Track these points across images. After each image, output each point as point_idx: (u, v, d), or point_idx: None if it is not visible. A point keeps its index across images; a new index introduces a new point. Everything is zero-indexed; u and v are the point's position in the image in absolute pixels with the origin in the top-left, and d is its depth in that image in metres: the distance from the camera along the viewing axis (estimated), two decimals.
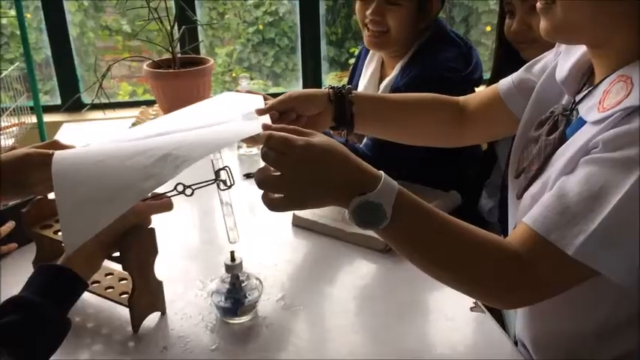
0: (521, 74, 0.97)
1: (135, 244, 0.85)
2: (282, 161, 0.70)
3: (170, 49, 1.67)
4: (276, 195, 0.71)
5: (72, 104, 2.10)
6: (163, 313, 0.93)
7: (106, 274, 0.96)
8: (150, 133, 0.90)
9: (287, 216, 1.22)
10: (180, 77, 1.64)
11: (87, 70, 2.62)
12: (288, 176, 0.70)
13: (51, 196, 0.93)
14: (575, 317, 0.81)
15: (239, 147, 1.57)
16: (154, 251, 0.88)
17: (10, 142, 1.72)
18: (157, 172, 0.72)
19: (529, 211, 0.72)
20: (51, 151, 0.85)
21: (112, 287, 0.93)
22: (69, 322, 0.79)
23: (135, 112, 1.96)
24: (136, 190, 0.72)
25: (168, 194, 0.88)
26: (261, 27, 3.05)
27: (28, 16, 2.52)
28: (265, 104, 0.95)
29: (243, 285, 0.91)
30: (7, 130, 1.65)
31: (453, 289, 0.94)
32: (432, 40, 1.39)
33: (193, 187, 0.89)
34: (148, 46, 2.48)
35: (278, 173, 0.71)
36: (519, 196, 0.84)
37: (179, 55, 1.73)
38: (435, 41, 1.39)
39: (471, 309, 0.95)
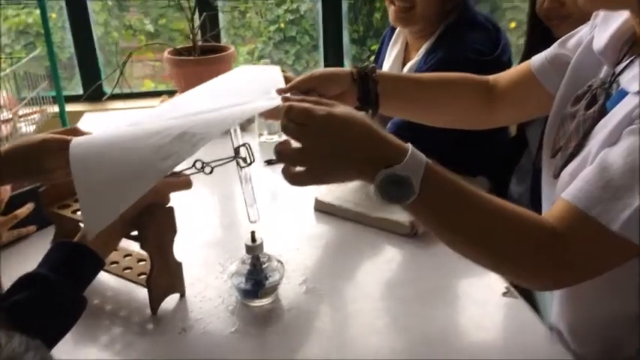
0: (555, 49, 0.92)
1: (153, 222, 0.82)
2: (303, 133, 0.67)
3: (191, 35, 1.65)
4: (297, 168, 0.68)
5: (94, 94, 2.10)
6: (182, 295, 0.91)
7: (125, 256, 0.94)
8: (165, 114, 0.87)
9: (309, 202, 1.19)
10: (201, 64, 1.61)
11: (109, 67, 2.63)
12: (310, 148, 0.67)
13: None
14: (616, 302, 0.76)
15: (260, 134, 1.54)
16: (172, 230, 0.86)
17: (32, 129, 1.72)
18: (175, 151, 0.69)
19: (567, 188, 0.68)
20: (69, 137, 0.83)
21: (130, 268, 0.91)
22: (84, 300, 0.76)
23: (156, 102, 1.94)
24: (155, 170, 0.69)
25: (187, 172, 0.86)
26: (282, 25, 3.04)
27: (53, 15, 2.54)
28: (285, 78, 0.92)
29: (263, 266, 0.88)
30: (29, 118, 1.65)
31: (484, 274, 0.91)
32: (458, 22, 1.34)
33: (212, 165, 0.87)
34: (171, 44, 2.49)
35: (299, 146, 0.68)
36: (556, 175, 0.79)
37: (200, 43, 1.71)
38: (461, 23, 1.34)
39: (503, 294, 0.91)
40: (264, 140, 1.53)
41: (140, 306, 0.89)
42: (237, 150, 0.85)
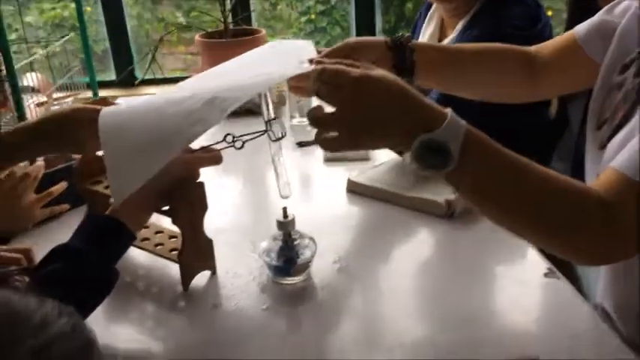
0: (601, 16, 0.88)
1: (184, 197, 0.81)
2: (337, 95, 0.63)
3: (222, 18, 1.64)
4: (331, 133, 0.65)
5: (126, 79, 2.12)
6: (214, 272, 0.89)
7: (156, 232, 0.93)
8: (197, 83, 0.86)
9: (341, 184, 1.16)
10: (232, 46, 1.60)
11: (142, 59, 2.65)
12: (344, 111, 0.64)
13: (100, 153, 0.92)
14: None
15: (292, 117, 1.52)
16: (203, 206, 0.84)
17: None
18: (204, 117, 0.68)
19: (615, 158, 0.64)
20: (99, 107, 0.83)
21: (162, 244, 0.90)
22: (116, 273, 0.76)
23: None
24: (184, 136, 0.68)
25: (217, 147, 0.84)
26: (313, 16, 3.02)
27: (88, 9, 2.57)
28: (318, 52, 0.90)
29: (295, 243, 0.86)
30: (63, 101, 1.67)
31: (524, 255, 0.88)
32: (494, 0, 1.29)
33: (243, 139, 0.85)
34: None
35: (333, 110, 0.65)
36: (602, 147, 0.75)
37: (231, 27, 1.70)
38: (498, 1, 1.29)
39: (545, 275, 0.87)
40: (296, 123, 1.51)
41: (172, 283, 0.88)
42: (268, 123, 0.83)
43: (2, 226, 1.00)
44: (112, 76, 2.47)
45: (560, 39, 0.94)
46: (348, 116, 0.63)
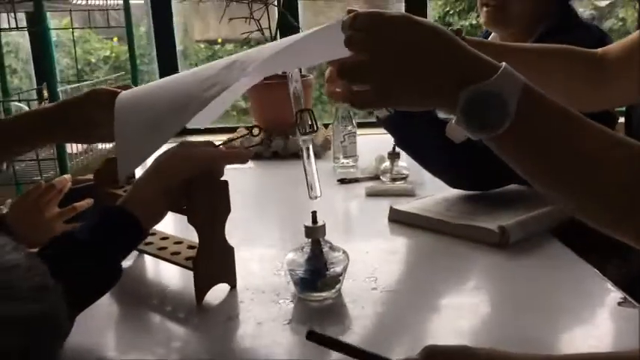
0: None
1: (204, 193, 0.74)
2: (370, 39, 0.54)
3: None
4: (363, 88, 0.57)
5: None
6: (233, 286, 0.80)
7: (175, 243, 0.86)
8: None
9: (383, 215, 1.06)
10: (274, 87, 1.58)
11: None
12: (378, 57, 0.54)
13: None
14: None
15: (336, 158, 1.45)
16: (225, 207, 0.76)
17: (108, 145, 1.74)
18: (221, 80, 0.61)
19: None
20: (119, 90, 0.79)
21: (179, 253, 0.82)
22: (119, 271, 0.68)
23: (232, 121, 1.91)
24: (198, 101, 0.61)
25: (245, 146, 0.78)
26: None
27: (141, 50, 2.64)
28: None
29: (324, 253, 0.76)
30: None
31: (593, 285, 0.75)
32: (558, 25, 1.21)
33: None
34: None
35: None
36: None
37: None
38: (561, 27, 1.21)
39: (619, 304, 0.73)
40: (340, 164, 1.44)
41: (185, 294, 0.79)
42: (299, 115, 0.76)
43: (23, 236, 0.95)
44: None
45: (629, 39, 0.84)
46: (383, 63, 0.54)
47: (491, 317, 0.76)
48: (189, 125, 0.71)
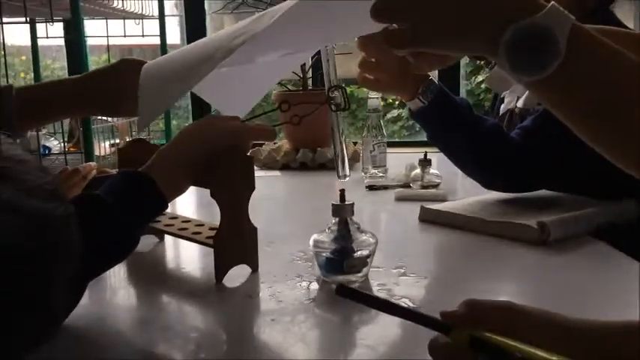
0: None
1: (227, 166, 0.71)
2: None
3: (301, 76, 1.62)
4: (399, 27, 0.53)
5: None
6: (255, 269, 0.76)
7: (197, 225, 0.82)
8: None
9: (413, 217, 1.01)
10: (309, 98, 1.56)
11: None
12: None
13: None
14: None
15: (365, 169, 1.42)
16: (249, 184, 0.73)
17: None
18: (249, 29, 0.58)
19: None
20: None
21: (200, 233, 0.79)
22: (136, 240, 0.65)
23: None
24: (223, 50, 0.58)
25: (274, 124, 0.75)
26: None
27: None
28: None
29: (352, 234, 0.72)
30: None
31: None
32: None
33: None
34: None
35: None
36: None
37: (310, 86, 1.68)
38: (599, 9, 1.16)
39: None
40: (369, 174, 1.41)
41: (205, 275, 0.75)
42: (330, 91, 0.73)
43: None
44: (189, 119, 2.48)
45: None
46: (421, 2, 0.50)
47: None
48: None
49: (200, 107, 2.26)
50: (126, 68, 0.82)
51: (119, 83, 0.82)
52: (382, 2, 0.51)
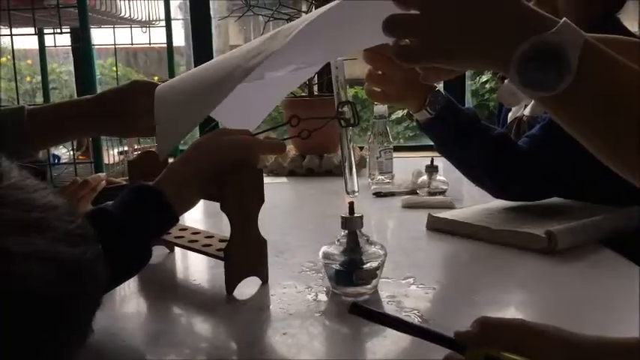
0: None
1: (237, 179, 0.71)
2: None
3: (308, 89, 1.62)
4: (412, 41, 0.53)
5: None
6: (265, 281, 0.77)
7: (206, 237, 0.83)
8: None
9: (420, 225, 1.02)
10: (315, 106, 1.57)
11: None
12: (429, 11, 0.51)
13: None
14: None
15: (371, 175, 1.43)
16: (258, 196, 0.74)
17: None
18: (265, 48, 0.59)
19: None
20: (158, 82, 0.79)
21: (210, 245, 0.79)
22: (149, 251, 0.65)
23: None
24: (242, 68, 0.59)
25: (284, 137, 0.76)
26: None
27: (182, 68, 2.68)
28: None
29: (361, 245, 0.72)
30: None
31: None
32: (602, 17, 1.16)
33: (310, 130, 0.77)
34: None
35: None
36: None
37: (315, 93, 1.69)
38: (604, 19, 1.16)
39: None
40: (375, 180, 1.41)
41: (215, 287, 0.76)
42: (340, 106, 0.74)
43: None
44: (196, 133, 2.50)
45: None
46: (433, 17, 0.51)
47: (538, 319, 0.70)
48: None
49: (207, 121, 2.27)
50: (138, 90, 0.82)
51: (131, 105, 0.82)
52: (394, 17, 0.52)
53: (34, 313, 0.33)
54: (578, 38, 0.48)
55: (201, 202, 0.75)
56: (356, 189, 0.74)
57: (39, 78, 2.02)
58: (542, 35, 0.48)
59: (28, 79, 3.40)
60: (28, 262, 0.33)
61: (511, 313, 0.72)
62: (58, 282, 0.35)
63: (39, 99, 2.26)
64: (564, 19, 0.49)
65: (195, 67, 2.33)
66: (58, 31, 1.39)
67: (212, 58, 2.26)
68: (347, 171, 0.74)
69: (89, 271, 0.38)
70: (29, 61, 3.41)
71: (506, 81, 0.50)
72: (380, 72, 0.88)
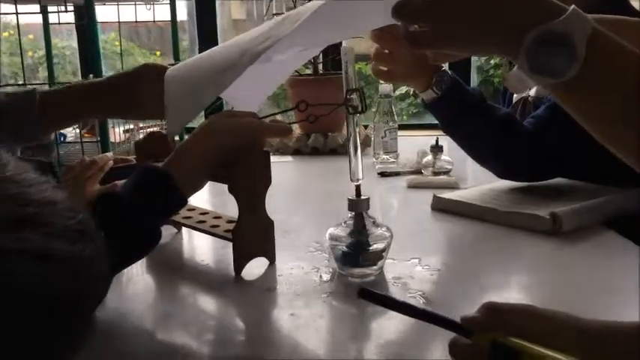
0: None
1: (244, 162, 0.72)
2: None
3: (312, 62, 1.61)
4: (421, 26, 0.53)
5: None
6: (272, 261, 0.78)
7: (214, 217, 0.84)
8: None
9: (425, 205, 1.02)
10: (321, 84, 1.57)
11: None
12: None
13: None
14: None
15: (376, 154, 1.43)
16: (266, 179, 0.74)
17: None
18: (273, 34, 0.59)
19: None
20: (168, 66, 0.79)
21: (218, 226, 0.80)
22: (158, 233, 0.66)
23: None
24: (250, 54, 0.59)
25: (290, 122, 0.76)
26: None
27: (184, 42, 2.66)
28: None
29: (367, 228, 0.73)
30: (147, 130, 1.68)
31: None
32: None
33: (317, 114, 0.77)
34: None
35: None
36: None
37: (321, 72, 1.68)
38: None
39: None
40: (380, 160, 1.42)
41: (223, 268, 0.77)
42: (348, 93, 0.74)
43: None
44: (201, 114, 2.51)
45: None
46: (446, 1, 0.51)
47: (544, 300, 0.71)
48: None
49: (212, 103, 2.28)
50: (148, 74, 0.82)
51: (142, 89, 0.83)
52: (404, 2, 0.52)
53: (26, 311, 0.32)
54: (586, 26, 0.48)
55: (209, 183, 0.75)
56: (360, 177, 0.74)
57: (40, 53, 2.02)
58: (550, 23, 0.48)
59: (30, 53, 3.38)
60: (21, 259, 0.32)
61: (515, 294, 0.73)
62: (53, 280, 0.33)
63: (42, 73, 2.25)
64: (573, 6, 0.49)
65: (199, 42, 2.34)
66: (63, 9, 1.38)
67: (216, 34, 2.26)
68: (352, 157, 0.74)
69: (87, 268, 0.37)
70: (31, 36, 3.39)
71: (514, 68, 0.50)
72: (387, 51, 0.88)
